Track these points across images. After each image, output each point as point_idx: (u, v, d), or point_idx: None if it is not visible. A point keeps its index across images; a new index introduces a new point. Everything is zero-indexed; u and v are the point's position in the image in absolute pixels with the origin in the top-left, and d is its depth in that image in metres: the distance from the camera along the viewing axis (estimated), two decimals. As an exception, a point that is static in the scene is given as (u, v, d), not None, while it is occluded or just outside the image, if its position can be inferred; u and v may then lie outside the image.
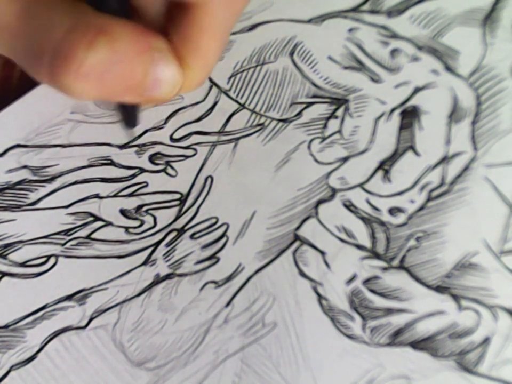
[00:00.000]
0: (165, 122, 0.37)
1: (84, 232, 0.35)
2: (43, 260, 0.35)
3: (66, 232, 0.35)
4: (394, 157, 0.36)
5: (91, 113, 0.37)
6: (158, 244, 0.35)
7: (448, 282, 0.34)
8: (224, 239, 0.35)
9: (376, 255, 0.35)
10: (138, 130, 0.37)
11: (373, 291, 0.34)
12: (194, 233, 0.35)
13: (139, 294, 0.34)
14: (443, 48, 0.38)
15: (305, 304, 0.34)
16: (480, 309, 0.34)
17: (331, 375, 0.33)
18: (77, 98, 0.29)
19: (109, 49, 0.27)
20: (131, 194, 0.36)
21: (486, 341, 0.33)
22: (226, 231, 0.35)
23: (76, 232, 0.35)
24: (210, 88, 0.38)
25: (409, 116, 0.37)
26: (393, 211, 0.36)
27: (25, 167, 0.36)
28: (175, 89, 0.32)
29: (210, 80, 0.38)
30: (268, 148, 0.37)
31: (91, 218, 0.35)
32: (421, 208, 0.36)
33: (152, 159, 0.36)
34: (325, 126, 0.37)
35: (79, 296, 0.34)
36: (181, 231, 0.35)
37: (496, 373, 0.33)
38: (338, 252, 0.35)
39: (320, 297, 0.34)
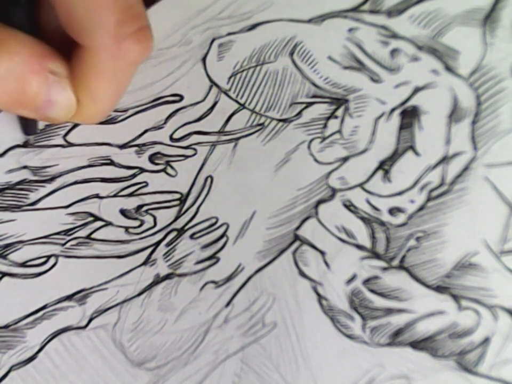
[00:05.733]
0: (165, 122, 0.37)
1: (83, 232, 0.35)
2: (43, 260, 0.35)
3: (66, 232, 0.35)
4: (394, 157, 0.36)
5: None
6: (158, 243, 0.35)
7: (448, 282, 0.34)
8: (224, 239, 0.35)
9: (376, 255, 0.35)
10: (138, 130, 0.37)
11: (373, 291, 0.34)
12: (194, 233, 0.35)
13: (139, 294, 0.34)
14: (443, 48, 0.38)
15: (305, 304, 0.34)
16: (480, 309, 0.34)
17: (331, 375, 0.33)
18: None
19: (0, 62, 0.27)
20: (131, 194, 0.36)
21: (486, 341, 0.33)
22: (226, 231, 0.35)
23: (76, 232, 0.35)
24: (210, 88, 0.38)
25: (409, 115, 0.37)
26: (393, 211, 0.36)
27: (25, 167, 0.36)
28: (68, 114, 0.32)
29: (210, 80, 0.38)
30: (268, 148, 0.37)
31: (91, 218, 0.35)
32: (421, 208, 0.36)
33: (152, 159, 0.36)
34: (325, 126, 0.37)
35: (79, 296, 0.34)
36: (181, 231, 0.35)
37: (496, 373, 0.33)
38: (338, 252, 0.35)
39: (320, 297, 0.34)
